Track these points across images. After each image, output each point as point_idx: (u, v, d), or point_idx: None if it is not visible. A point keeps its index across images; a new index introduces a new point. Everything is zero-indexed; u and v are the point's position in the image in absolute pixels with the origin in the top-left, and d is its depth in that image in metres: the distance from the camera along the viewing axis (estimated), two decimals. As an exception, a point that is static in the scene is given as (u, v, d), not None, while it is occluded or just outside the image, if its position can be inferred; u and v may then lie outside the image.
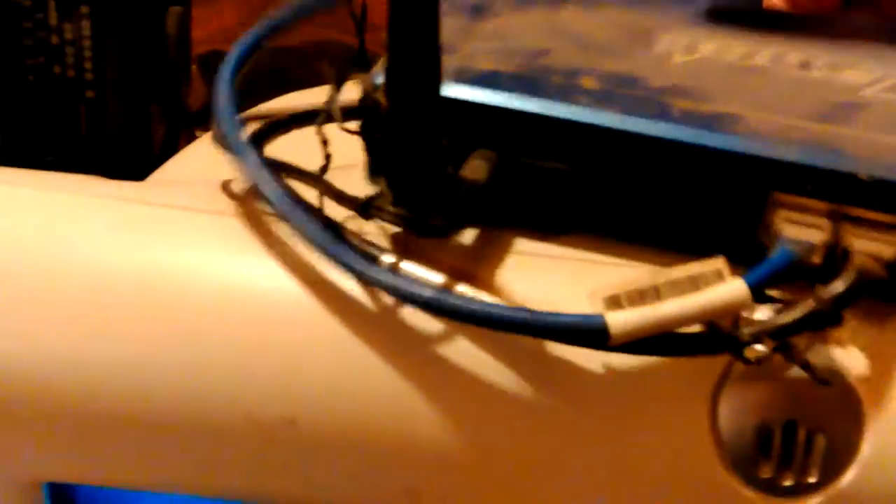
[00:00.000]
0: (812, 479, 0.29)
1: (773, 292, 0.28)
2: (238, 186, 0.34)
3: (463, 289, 0.29)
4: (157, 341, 0.30)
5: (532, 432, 0.29)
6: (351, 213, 0.30)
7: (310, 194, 0.30)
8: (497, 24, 0.34)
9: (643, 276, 0.27)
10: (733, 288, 0.27)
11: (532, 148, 0.30)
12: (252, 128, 0.33)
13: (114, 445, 0.30)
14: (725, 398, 0.29)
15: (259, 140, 0.33)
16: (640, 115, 0.29)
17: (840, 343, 0.29)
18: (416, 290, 0.27)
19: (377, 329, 0.29)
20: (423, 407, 0.29)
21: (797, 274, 0.28)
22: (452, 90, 0.30)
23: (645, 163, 0.29)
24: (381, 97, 0.28)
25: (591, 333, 0.26)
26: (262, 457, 0.30)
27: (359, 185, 0.31)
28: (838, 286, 0.27)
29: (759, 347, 0.27)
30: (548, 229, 0.31)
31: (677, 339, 0.27)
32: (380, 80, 0.29)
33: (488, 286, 0.29)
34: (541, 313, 0.27)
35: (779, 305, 0.28)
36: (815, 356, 0.29)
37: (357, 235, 0.29)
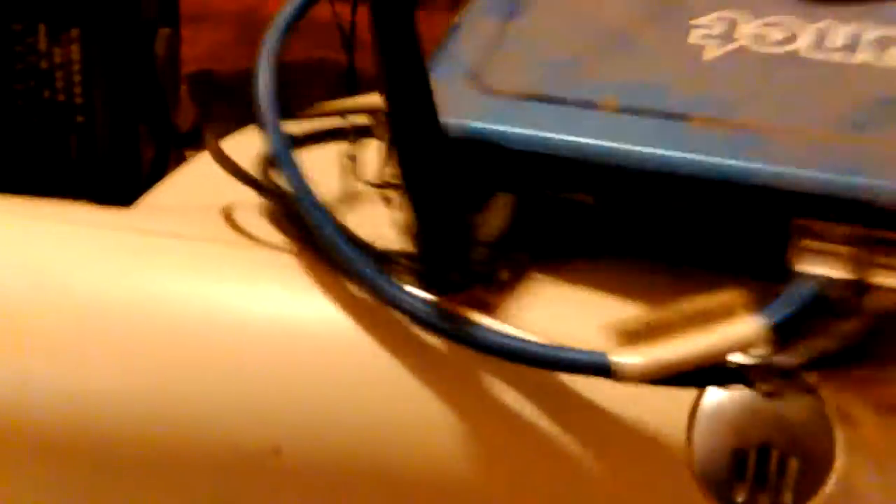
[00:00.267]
0: (786, 502, 0.30)
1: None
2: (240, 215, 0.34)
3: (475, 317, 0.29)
4: (143, 370, 0.30)
5: (513, 457, 0.30)
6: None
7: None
8: (525, 27, 0.33)
9: (658, 310, 0.27)
10: (747, 327, 0.27)
11: (553, 184, 0.30)
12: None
13: (97, 475, 0.31)
14: (700, 423, 0.30)
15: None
16: (659, 144, 0.29)
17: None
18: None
19: (372, 357, 0.30)
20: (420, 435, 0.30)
21: (816, 308, 0.28)
22: (472, 126, 0.30)
23: (665, 192, 0.29)
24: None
25: (597, 370, 0.27)
26: (247, 484, 0.30)
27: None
28: (854, 325, 0.28)
29: (770, 383, 0.28)
30: (570, 256, 0.31)
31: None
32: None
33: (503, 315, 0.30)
34: (551, 348, 0.27)
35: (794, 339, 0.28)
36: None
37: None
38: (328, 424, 0.30)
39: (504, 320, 0.29)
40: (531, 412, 0.30)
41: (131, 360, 0.30)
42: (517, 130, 0.30)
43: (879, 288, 0.28)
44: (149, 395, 0.30)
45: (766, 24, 0.32)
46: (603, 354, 0.27)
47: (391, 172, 0.30)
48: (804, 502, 0.30)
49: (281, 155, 0.31)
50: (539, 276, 0.31)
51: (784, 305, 0.28)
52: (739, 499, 0.30)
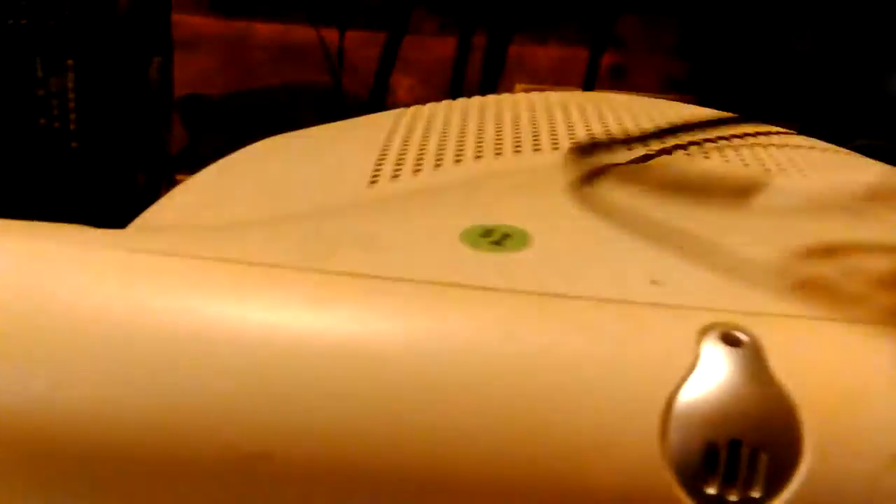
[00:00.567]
0: (756, 495, 0.31)
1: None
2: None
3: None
4: (137, 380, 0.31)
5: (492, 457, 0.31)
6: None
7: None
8: None
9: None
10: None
11: None
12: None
13: (90, 483, 0.32)
14: (674, 419, 0.31)
15: None
16: None
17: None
18: None
19: (357, 364, 0.31)
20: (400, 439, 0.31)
21: None
22: None
23: None
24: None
25: None
26: (240, 491, 0.31)
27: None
28: None
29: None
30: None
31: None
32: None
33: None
34: None
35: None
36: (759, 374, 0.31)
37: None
38: (320, 429, 0.31)
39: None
40: (503, 405, 0.31)
41: (126, 371, 0.31)
42: None
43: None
44: (142, 405, 0.31)
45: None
46: None
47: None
48: (774, 495, 0.31)
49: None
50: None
51: None
52: (710, 492, 0.31)
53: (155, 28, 0.54)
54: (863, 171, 0.54)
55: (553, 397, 0.31)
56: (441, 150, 0.50)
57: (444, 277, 0.34)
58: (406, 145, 0.51)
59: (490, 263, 0.35)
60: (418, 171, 0.48)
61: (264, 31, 1.32)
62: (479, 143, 0.52)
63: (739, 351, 0.32)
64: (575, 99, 0.61)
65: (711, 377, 0.32)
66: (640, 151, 0.50)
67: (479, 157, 0.50)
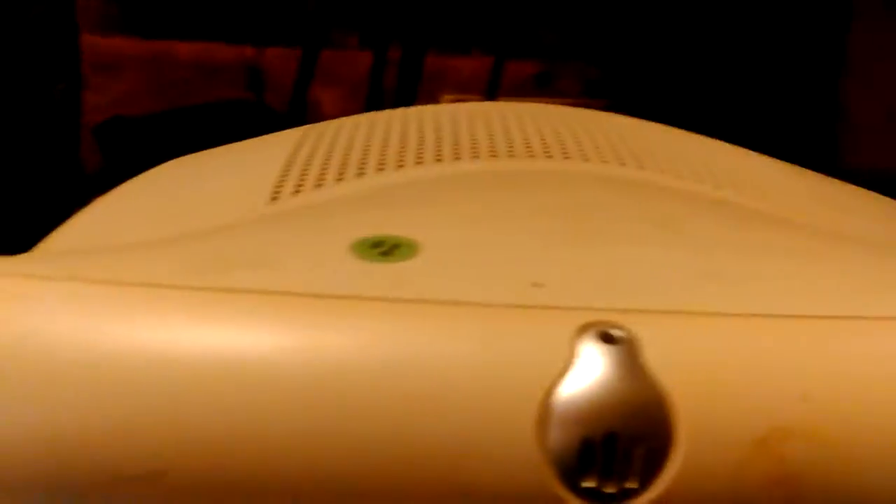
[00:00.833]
0: (632, 485, 0.33)
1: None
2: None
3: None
4: (25, 407, 0.32)
5: (376, 462, 0.32)
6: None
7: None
8: None
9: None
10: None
11: None
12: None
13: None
14: (551, 416, 0.33)
15: None
16: None
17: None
18: None
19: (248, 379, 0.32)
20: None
21: None
22: None
23: None
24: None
25: None
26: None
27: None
28: None
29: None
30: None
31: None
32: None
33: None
34: None
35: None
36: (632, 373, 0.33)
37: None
38: (212, 443, 0.32)
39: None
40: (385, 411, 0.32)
41: (12, 396, 0.32)
42: None
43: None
44: (30, 430, 0.32)
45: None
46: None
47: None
48: (649, 485, 0.33)
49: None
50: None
51: None
52: (589, 485, 0.33)
53: (60, 54, 0.55)
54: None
55: (433, 400, 0.33)
56: (344, 164, 0.52)
57: (331, 290, 0.35)
58: (310, 161, 0.52)
59: (378, 274, 0.36)
60: (320, 185, 0.49)
61: (185, 50, 1.33)
62: (383, 156, 0.53)
63: (615, 348, 0.34)
64: (481, 109, 0.63)
65: (588, 374, 0.33)
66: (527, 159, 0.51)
67: (381, 169, 0.51)
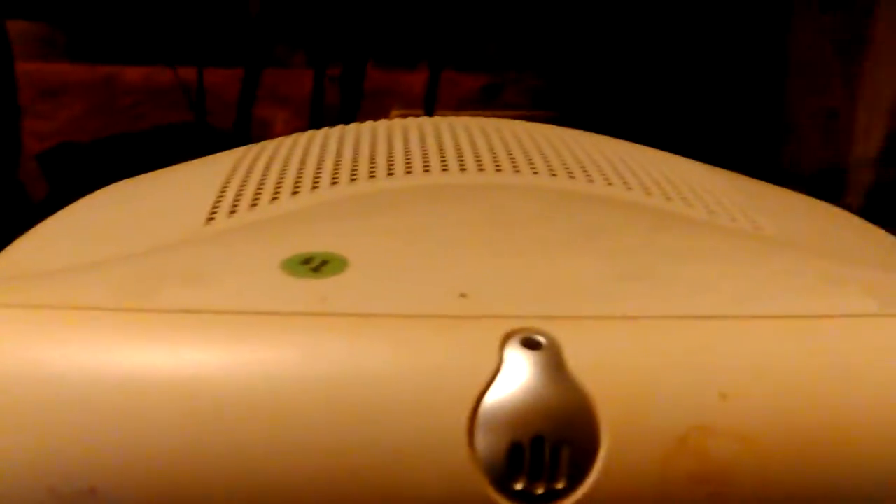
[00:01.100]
0: (560, 486, 0.34)
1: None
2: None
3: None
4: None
5: (309, 475, 0.33)
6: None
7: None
8: None
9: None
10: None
11: None
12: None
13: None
14: (480, 422, 0.34)
15: None
16: None
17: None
18: None
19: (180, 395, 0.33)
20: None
21: None
22: None
23: None
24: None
25: None
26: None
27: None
28: None
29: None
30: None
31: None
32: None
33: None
34: None
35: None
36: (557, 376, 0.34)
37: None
38: (144, 462, 0.33)
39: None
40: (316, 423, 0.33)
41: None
42: None
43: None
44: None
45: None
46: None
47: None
48: (577, 485, 0.34)
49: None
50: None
51: None
52: (518, 487, 0.34)
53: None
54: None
55: (364, 411, 0.33)
56: (279, 183, 0.52)
57: (261, 306, 0.36)
58: (246, 180, 0.53)
59: (308, 289, 0.37)
60: (255, 205, 0.49)
61: (131, 75, 1.33)
62: (318, 174, 0.54)
63: (539, 353, 0.35)
64: (417, 124, 0.64)
65: (514, 380, 0.34)
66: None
67: (315, 187, 0.52)
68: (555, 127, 0.67)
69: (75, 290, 0.37)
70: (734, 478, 0.34)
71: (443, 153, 0.57)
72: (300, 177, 0.53)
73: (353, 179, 0.53)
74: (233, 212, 0.49)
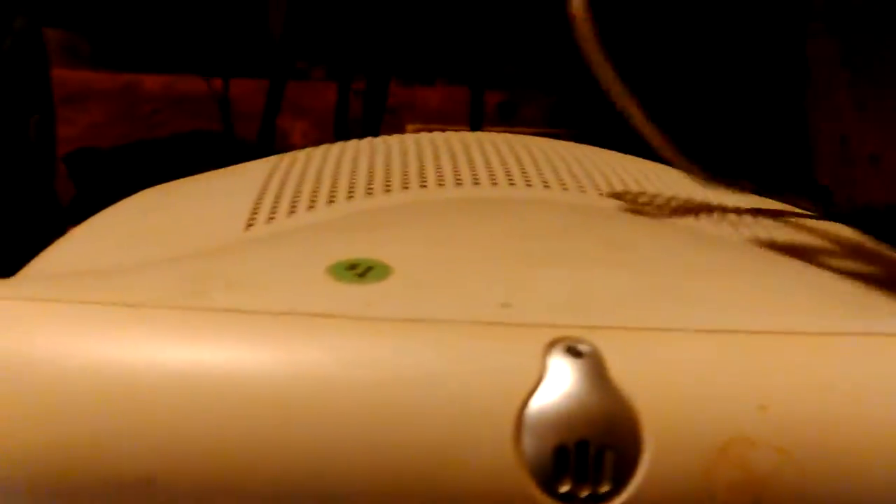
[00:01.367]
0: (605, 489, 0.34)
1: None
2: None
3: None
4: (22, 421, 0.33)
5: (362, 474, 0.34)
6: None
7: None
8: None
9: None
10: None
11: None
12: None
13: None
14: (526, 426, 0.34)
15: None
16: None
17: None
18: None
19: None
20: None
21: None
22: None
23: None
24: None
25: None
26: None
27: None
28: None
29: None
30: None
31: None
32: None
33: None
34: None
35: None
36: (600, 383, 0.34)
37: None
38: (199, 456, 0.34)
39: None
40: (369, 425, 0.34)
41: (7, 415, 0.33)
42: None
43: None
44: (26, 443, 0.33)
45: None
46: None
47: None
48: (621, 489, 0.34)
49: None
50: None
51: None
52: (564, 490, 0.34)
53: (32, 87, 0.56)
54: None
55: (413, 413, 0.34)
56: (315, 192, 0.53)
57: (311, 309, 0.37)
58: (282, 189, 0.54)
59: (355, 294, 0.38)
60: (293, 213, 0.50)
61: (151, 83, 1.34)
62: (352, 184, 0.54)
63: (582, 361, 0.35)
64: (445, 139, 0.65)
65: (558, 386, 0.35)
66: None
67: (350, 197, 0.52)
68: (576, 144, 0.68)
69: (128, 288, 0.38)
70: (774, 488, 0.35)
71: (473, 167, 0.57)
72: (335, 187, 0.54)
73: (387, 190, 0.54)
74: (271, 219, 0.49)
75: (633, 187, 0.56)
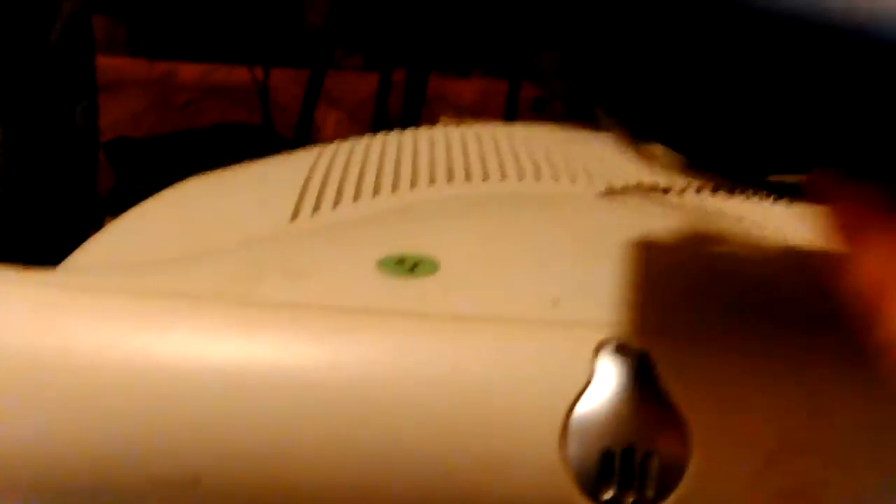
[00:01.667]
0: (650, 494, 0.34)
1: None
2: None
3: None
4: (68, 415, 0.33)
5: (409, 473, 0.34)
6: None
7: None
8: None
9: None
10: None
11: None
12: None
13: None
14: (571, 430, 0.34)
15: None
16: None
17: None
18: None
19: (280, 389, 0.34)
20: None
21: None
22: None
23: None
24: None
25: None
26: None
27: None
28: None
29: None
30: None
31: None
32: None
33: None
34: None
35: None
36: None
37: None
38: (245, 455, 0.33)
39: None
40: (417, 424, 0.34)
41: (57, 405, 0.33)
42: None
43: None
44: (72, 438, 0.33)
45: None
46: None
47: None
48: (666, 495, 0.34)
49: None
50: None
51: None
52: (608, 495, 0.34)
53: (80, 72, 0.56)
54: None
55: (461, 414, 0.34)
56: (359, 184, 0.53)
57: (364, 304, 0.36)
58: (325, 181, 0.54)
59: (404, 289, 0.38)
60: (338, 204, 0.50)
61: (188, 72, 1.34)
62: (396, 176, 0.54)
63: (631, 364, 0.35)
64: (488, 131, 0.64)
65: (605, 390, 0.35)
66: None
67: (395, 189, 0.52)
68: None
69: (179, 279, 0.38)
70: (822, 497, 0.34)
71: (518, 161, 0.57)
72: (379, 179, 0.54)
73: (431, 183, 0.53)
74: (316, 211, 0.49)
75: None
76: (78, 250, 0.49)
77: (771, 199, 0.53)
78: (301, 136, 1.11)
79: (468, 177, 0.54)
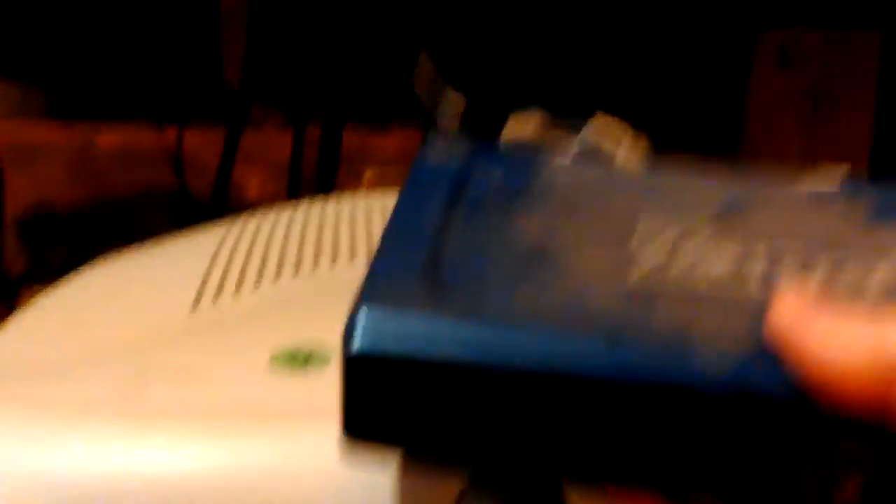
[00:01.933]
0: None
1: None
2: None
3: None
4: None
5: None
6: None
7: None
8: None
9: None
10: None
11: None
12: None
13: None
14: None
15: None
16: None
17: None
18: None
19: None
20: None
21: None
22: None
23: None
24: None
25: None
26: None
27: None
28: None
29: None
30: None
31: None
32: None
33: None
34: None
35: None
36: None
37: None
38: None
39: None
40: None
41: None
42: None
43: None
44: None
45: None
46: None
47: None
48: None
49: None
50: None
51: None
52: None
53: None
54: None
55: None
56: (262, 266, 0.54)
57: (250, 404, 0.37)
58: (230, 263, 0.54)
59: (293, 385, 0.38)
60: (240, 288, 0.51)
61: (108, 136, 1.34)
62: (299, 255, 0.55)
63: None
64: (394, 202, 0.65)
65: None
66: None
67: (297, 269, 0.53)
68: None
69: (70, 386, 0.38)
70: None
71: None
72: (282, 258, 0.54)
73: (333, 261, 0.54)
74: (217, 297, 0.50)
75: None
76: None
77: None
78: (218, 198, 1.11)
79: (370, 253, 0.55)
